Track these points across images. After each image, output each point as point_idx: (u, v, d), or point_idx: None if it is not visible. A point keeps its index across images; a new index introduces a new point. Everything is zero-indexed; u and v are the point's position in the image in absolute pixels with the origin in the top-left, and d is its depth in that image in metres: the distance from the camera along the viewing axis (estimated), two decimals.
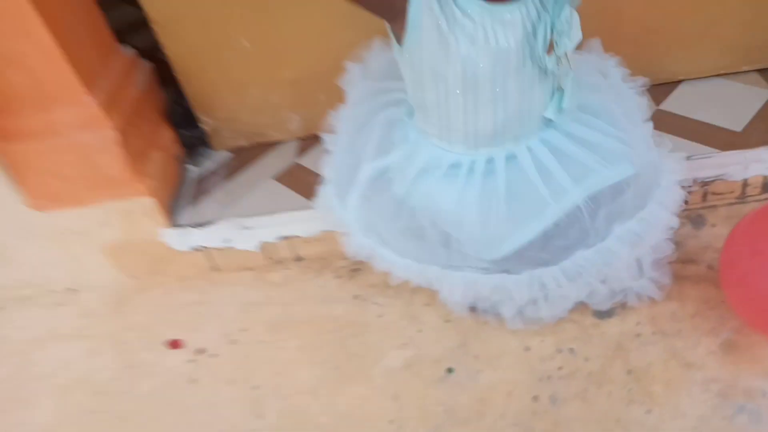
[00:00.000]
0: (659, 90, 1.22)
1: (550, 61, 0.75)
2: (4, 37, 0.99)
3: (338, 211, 0.97)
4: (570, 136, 0.84)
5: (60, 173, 1.14)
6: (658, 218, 0.88)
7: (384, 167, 0.90)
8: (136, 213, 1.19)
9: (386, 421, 0.94)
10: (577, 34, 0.75)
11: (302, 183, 1.25)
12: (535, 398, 0.92)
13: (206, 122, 1.33)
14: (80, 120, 1.10)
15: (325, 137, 1.02)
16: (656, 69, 1.22)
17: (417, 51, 0.77)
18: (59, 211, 1.19)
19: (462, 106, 0.80)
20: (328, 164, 1.01)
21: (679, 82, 1.25)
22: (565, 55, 0.76)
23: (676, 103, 1.21)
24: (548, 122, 0.85)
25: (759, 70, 1.23)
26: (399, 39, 0.78)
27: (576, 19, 0.74)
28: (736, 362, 0.91)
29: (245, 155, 1.35)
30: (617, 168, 0.83)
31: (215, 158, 1.36)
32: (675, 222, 0.91)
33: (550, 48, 0.75)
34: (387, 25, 0.80)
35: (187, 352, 1.13)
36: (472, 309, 1.02)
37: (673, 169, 0.91)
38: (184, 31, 1.18)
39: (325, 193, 1.02)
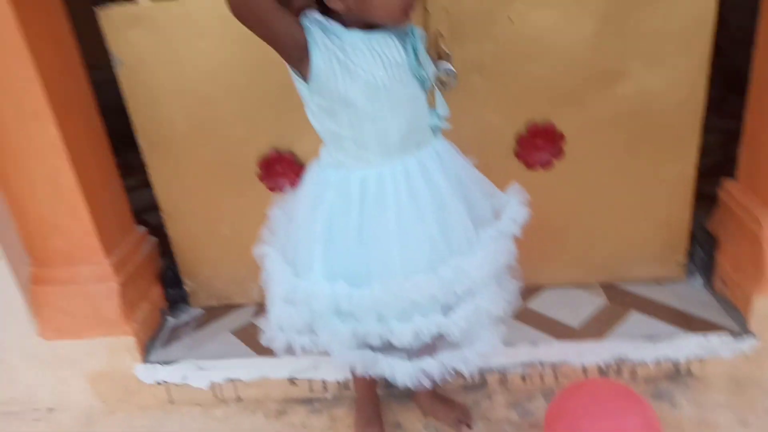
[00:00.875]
0: (528, 291, 1.63)
1: (421, 70, 1.00)
2: (54, 213, 1.45)
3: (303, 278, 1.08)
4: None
5: (69, 312, 1.51)
6: (508, 228, 1.09)
7: (325, 219, 1.03)
8: (119, 349, 1.53)
9: None
10: (430, 64, 1.02)
11: (253, 338, 1.60)
12: None
13: (188, 285, 1.74)
14: (95, 275, 1.51)
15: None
16: (527, 275, 1.65)
17: (324, 80, 0.94)
18: (61, 341, 1.53)
19: (371, 118, 0.97)
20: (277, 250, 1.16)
21: (543, 287, 1.67)
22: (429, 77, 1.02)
23: (537, 302, 1.61)
24: (436, 132, 1.06)
25: (601, 283, 1.65)
26: (305, 77, 0.95)
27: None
28: None
29: (214, 312, 1.73)
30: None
31: (191, 313, 1.74)
32: (519, 231, 1.11)
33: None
34: (290, 70, 0.97)
35: None
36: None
37: (517, 197, 1.14)
38: (182, 219, 1.66)
39: (280, 269, 1.14)
